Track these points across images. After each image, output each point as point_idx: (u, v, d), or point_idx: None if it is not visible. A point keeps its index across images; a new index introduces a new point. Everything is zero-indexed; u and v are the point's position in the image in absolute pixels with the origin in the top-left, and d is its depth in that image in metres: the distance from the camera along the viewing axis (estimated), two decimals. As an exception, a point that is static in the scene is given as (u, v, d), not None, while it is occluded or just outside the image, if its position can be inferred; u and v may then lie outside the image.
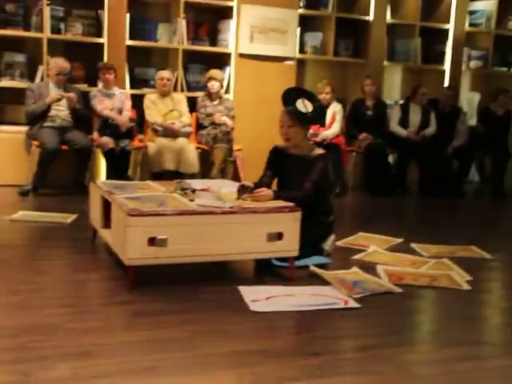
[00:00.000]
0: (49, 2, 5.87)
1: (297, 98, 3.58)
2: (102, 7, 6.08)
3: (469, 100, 8.11)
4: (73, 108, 5.61)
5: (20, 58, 5.99)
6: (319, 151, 3.69)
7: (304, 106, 3.57)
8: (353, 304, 2.94)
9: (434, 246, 4.25)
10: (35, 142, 5.50)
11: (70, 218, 4.56)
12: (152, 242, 2.93)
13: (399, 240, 4.37)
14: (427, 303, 3.18)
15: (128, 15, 6.09)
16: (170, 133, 5.85)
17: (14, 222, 4.38)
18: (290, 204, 3.30)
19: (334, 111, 6.46)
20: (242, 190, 3.39)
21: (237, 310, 2.80)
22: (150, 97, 6.01)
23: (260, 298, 2.95)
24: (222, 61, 6.68)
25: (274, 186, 3.82)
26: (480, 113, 7.48)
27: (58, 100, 5.51)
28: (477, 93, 8.14)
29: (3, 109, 6.07)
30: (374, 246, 4.14)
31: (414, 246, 4.24)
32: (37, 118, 5.52)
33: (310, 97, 3.66)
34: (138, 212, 2.91)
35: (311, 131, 6.17)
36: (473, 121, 7.96)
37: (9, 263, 3.40)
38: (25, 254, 3.63)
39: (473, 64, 7.94)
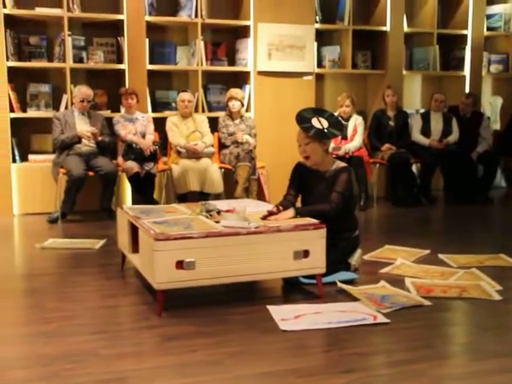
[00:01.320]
0: (70, 33, 6.00)
1: (310, 117, 3.61)
2: (121, 34, 6.19)
3: (491, 104, 8.04)
4: (96, 140, 5.70)
5: (45, 88, 6.11)
6: (341, 164, 3.69)
7: (320, 123, 3.59)
8: (382, 319, 2.93)
9: (463, 255, 4.21)
10: (62, 170, 5.60)
11: (98, 243, 4.62)
12: (180, 265, 2.95)
13: (426, 251, 4.35)
14: (458, 315, 3.15)
15: (147, 40, 6.18)
16: (194, 154, 5.89)
17: (44, 250, 4.46)
18: (315, 221, 3.30)
19: (356, 124, 6.46)
20: (275, 212, 3.42)
21: (267, 330, 2.81)
22: (172, 119, 6.07)
23: (289, 316, 2.96)
24: (241, 80, 6.73)
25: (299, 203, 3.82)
26: (511, 117, 7.37)
27: (87, 138, 5.61)
28: (499, 97, 8.07)
29: (30, 138, 6.19)
30: (401, 258, 4.12)
31: (441, 256, 4.21)
32: (66, 148, 5.63)
33: (322, 113, 3.69)
34: (165, 236, 2.94)
35: (333, 145, 6.18)
36: (496, 125, 7.88)
37: (40, 292, 3.46)
38: (55, 281, 3.69)
39: (493, 68, 7.87)
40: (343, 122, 6.35)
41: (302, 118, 3.62)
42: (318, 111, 3.74)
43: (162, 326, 2.87)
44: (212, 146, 6.13)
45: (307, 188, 3.73)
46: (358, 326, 2.85)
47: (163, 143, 6.15)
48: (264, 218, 3.37)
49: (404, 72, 7.31)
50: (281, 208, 3.48)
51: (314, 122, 3.59)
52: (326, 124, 3.60)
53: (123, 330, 2.85)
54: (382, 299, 3.21)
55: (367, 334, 2.79)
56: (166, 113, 6.39)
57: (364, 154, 6.44)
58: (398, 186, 6.61)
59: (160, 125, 6.15)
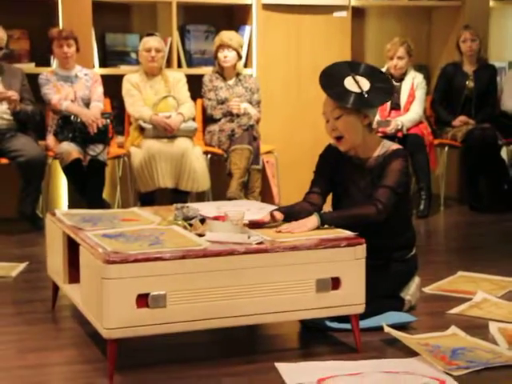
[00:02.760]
0: None
1: (344, 75, 3.61)
2: None
3: None
4: (13, 110, 5.72)
5: None
6: (393, 147, 3.68)
7: (356, 83, 3.59)
8: (453, 385, 2.94)
9: None
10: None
11: (16, 269, 4.63)
12: (143, 301, 2.95)
13: (523, 282, 4.37)
14: None
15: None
16: (165, 132, 5.90)
17: None
18: (350, 234, 3.31)
19: (413, 85, 6.47)
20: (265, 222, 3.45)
21: (275, 401, 2.81)
22: (132, 78, 6.08)
23: (310, 380, 2.95)
24: (237, 18, 6.76)
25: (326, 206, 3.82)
26: None
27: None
28: None
29: None
30: (482, 292, 4.12)
31: (547, 290, 4.24)
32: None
33: (359, 68, 3.69)
34: (121, 257, 2.94)
35: (377, 118, 6.16)
36: None
37: None
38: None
39: None
40: (394, 83, 6.34)
41: (330, 78, 3.61)
42: (355, 66, 3.74)
43: (114, 395, 2.88)
44: (193, 119, 6.14)
45: (342, 185, 3.72)
46: (415, 395, 2.84)
47: (118, 115, 6.17)
48: (251, 226, 3.36)
49: (491, 3, 7.30)
50: (278, 216, 3.46)
51: (348, 83, 3.58)
52: (366, 85, 3.60)
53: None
54: (454, 355, 3.20)
55: (429, 406, 2.79)
56: (123, 68, 6.42)
57: (426, 132, 6.44)
58: (478, 181, 6.62)
59: (113, 87, 6.17)
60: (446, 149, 6.71)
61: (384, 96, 3.73)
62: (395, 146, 3.70)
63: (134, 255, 2.97)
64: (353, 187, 3.68)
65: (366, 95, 3.57)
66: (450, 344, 3.34)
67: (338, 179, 3.72)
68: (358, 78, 3.62)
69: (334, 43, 6.74)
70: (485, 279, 4.42)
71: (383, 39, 6.94)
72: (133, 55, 6.52)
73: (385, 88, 3.69)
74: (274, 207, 3.72)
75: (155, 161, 5.78)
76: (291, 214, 3.51)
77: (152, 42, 6.07)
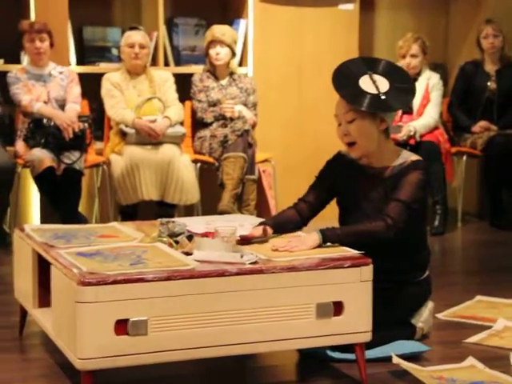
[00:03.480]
0: None
1: (360, 73, 3.61)
2: None
3: None
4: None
5: None
6: (412, 157, 3.67)
7: (373, 83, 3.59)
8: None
9: None
10: None
11: (-19, 290, 4.63)
12: (122, 327, 2.95)
13: (550, 308, 4.37)
14: None
15: None
16: (150, 137, 5.90)
17: None
18: (355, 253, 3.31)
19: (428, 86, 6.49)
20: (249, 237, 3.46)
21: None
22: (113, 77, 6.08)
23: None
24: (231, 10, 6.78)
25: (317, 222, 3.82)
26: None
27: None
28: None
29: None
30: (504, 319, 4.10)
31: None
32: None
33: (377, 66, 3.69)
34: (98, 278, 2.93)
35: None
36: None
37: None
38: None
39: None
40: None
41: (344, 77, 3.62)
42: (372, 63, 3.74)
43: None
44: (181, 123, 6.15)
45: (351, 196, 3.72)
46: None
47: (97, 118, 6.18)
48: (241, 242, 3.37)
49: (515, -4, 7.33)
50: (269, 230, 3.48)
51: (364, 82, 3.59)
52: (385, 85, 3.61)
53: None
54: (471, 389, 3.22)
55: None
56: (103, 66, 6.42)
57: (442, 139, 6.45)
58: (500, 194, 6.64)
59: (91, 87, 6.18)
60: (465, 158, 6.71)
61: (405, 98, 3.74)
62: (415, 156, 3.68)
63: (113, 276, 2.96)
64: (364, 200, 3.67)
65: (383, 97, 3.57)
66: (467, 377, 3.32)
67: (347, 190, 3.72)
68: (376, 77, 3.62)
69: (339, 39, 6.76)
70: (506, 304, 4.41)
71: (395, 35, 6.97)
72: (114, 51, 6.53)
73: (406, 89, 3.69)
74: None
75: (138, 170, 5.78)
76: (279, 225, 3.56)
77: (135, 36, 6.08)
